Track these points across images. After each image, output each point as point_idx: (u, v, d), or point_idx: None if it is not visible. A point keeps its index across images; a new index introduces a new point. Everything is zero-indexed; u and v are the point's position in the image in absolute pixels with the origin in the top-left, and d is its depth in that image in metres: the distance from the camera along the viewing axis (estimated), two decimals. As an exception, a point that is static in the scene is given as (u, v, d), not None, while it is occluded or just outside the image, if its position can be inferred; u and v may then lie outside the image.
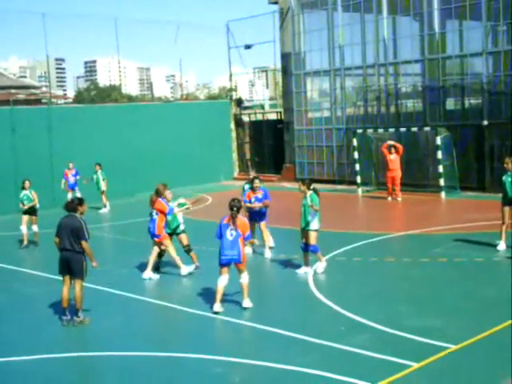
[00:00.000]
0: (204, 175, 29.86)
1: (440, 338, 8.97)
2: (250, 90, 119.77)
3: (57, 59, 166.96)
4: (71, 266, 10.55)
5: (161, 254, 13.70)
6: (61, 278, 10.84)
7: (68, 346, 9.86)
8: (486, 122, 23.25)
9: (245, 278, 10.95)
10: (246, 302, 10.96)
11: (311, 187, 12.86)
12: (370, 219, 20.49)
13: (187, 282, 13.23)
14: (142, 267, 14.08)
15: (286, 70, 31.19)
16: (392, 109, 26.90)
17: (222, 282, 10.82)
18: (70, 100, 69.80)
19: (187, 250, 13.91)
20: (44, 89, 50.11)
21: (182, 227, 13.91)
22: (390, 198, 22.96)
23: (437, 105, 25.11)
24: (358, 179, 25.72)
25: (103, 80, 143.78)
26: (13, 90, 39.36)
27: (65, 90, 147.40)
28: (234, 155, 33.40)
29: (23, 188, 17.60)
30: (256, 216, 15.02)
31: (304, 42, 29.32)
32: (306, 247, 12.95)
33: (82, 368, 9.06)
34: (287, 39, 30.39)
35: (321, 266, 13.04)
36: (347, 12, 27.67)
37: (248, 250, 14.12)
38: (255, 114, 34.81)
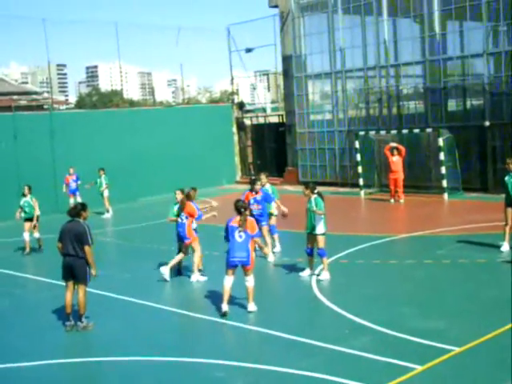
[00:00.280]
0: (206, 179, 29.79)
1: (443, 340, 8.96)
2: (251, 93, 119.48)
3: (58, 65, 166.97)
4: (75, 271, 10.55)
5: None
6: (64, 284, 10.85)
7: (71, 352, 9.87)
8: (487, 123, 23.21)
9: (251, 282, 10.90)
10: (251, 306, 10.92)
11: (315, 191, 12.80)
12: (372, 221, 20.48)
13: (190, 286, 13.22)
14: (145, 272, 14.10)
15: (287, 73, 31.17)
16: (394, 110, 26.84)
17: (228, 282, 10.79)
18: (72, 105, 70.03)
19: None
20: (46, 94, 50.06)
21: None
22: (392, 200, 22.93)
23: (438, 106, 25.04)
24: (361, 181, 25.70)
25: (105, 85, 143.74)
26: (14, 96, 39.33)
27: (66, 96, 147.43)
28: (236, 159, 33.38)
29: (23, 195, 17.50)
30: (255, 218, 14.91)
31: (305, 44, 29.32)
32: (311, 251, 12.92)
33: (86, 373, 9.05)
34: (288, 42, 30.39)
35: (324, 275, 12.86)
36: (347, 14, 27.69)
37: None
38: (257, 117, 34.82)
